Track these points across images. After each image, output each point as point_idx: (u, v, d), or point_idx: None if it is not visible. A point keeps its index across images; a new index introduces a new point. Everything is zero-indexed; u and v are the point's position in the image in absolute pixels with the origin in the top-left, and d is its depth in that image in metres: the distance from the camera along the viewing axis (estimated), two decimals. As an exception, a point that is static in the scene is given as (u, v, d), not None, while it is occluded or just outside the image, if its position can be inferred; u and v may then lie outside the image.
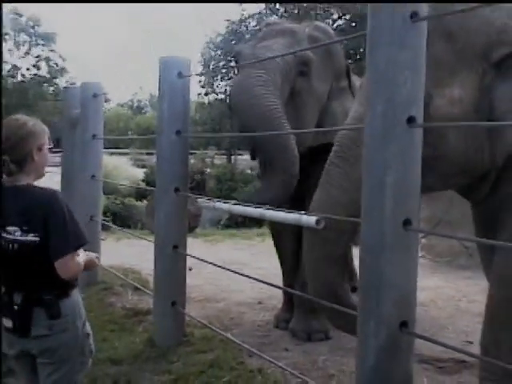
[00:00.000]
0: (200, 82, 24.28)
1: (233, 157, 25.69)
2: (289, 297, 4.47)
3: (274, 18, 17.86)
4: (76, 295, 2.38)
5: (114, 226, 7.64)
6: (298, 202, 4.23)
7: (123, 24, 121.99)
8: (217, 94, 25.00)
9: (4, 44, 34.22)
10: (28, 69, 35.00)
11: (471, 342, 3.81)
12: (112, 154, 17.07)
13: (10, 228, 2.24)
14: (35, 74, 35.21)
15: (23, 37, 34.76)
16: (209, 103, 25.65)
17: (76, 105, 5.66)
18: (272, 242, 4.70)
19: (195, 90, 24.91)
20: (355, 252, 3.02)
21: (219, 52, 24.34)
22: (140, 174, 16.70)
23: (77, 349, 2.35)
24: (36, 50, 35.12)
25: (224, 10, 35.04)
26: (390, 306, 1.98)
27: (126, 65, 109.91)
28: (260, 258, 6.78)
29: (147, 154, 24.41)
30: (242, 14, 22.86)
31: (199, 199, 3.88)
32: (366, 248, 2.04)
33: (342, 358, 3.70)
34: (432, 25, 2.45)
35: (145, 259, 4.94)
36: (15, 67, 34.55)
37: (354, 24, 18.94)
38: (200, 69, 23.72)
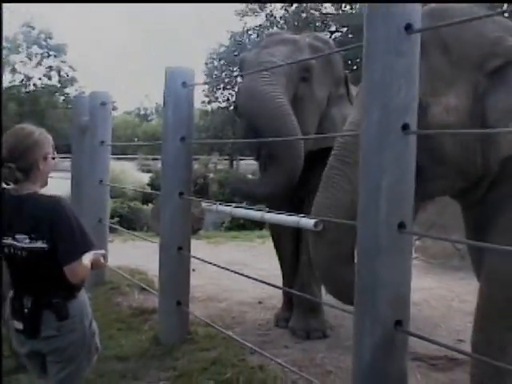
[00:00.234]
0: (203, 91, 24.43)
1: (235, 162, 25.73)
2: (288, 297, 4.46)
3: (274, 30, 17.91)
4: (83, 296, 2.37)
5: (120, 229, 7.64)
6: (298, 204, 4.23)
7: (123, 24, 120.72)
8: (219, 103, 25.07)
9: (17, 55, 34.40)
10: (40, 79, 35.19)
11: (463, 341, 3.79)
12: (119, 159, 17.07)
13: (18, 236, 2.22)
14: (47, 84, 35.36)
15: (35, 49, 34.90)
16: (212, 111, 25.74)
17: (85, 113, 5.67)
18: (272, 244, 4.69)
19: (199, 99, 25.09)
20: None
21: (222, 62, 24.41)
22: (146, 178, 16.68)
23: (84, 347, 2.34)
24: (47, 61, 35.26)
25: (226, 22, 35.12)
26: (386, 306, 1.97)
27: (127, 65, 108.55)
28: (260, 259, 6.77)
29: (153, 159, 24.43)
30: (244, 26, 22.96)
31: (203, 203, 3.88)
32: (362, 250, 2.04)
33: (339, 355, 3.70)
34: (429, 36, 2.47)
35: (150, 260, 4.93)
36: (28, 77, 34.68)
37: (350, 36, 19.00)
38: (203, 78, 23.81)
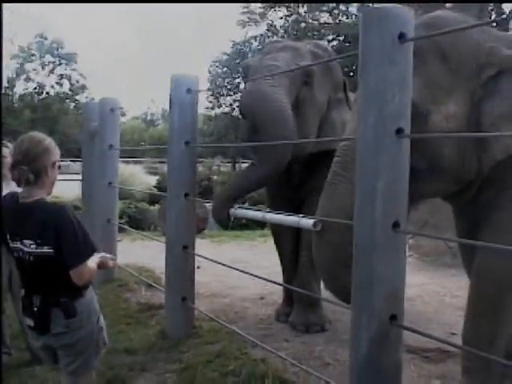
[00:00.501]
0: (207, 97, 24.38)
1: (237, 164, 25.71)
2: (288, 293, 4.46)
3: (275, 38, 17.92)
4: (90, 293, 2.37)
5: (129, 228, 7.63)
6: (298, 205, 4.23)
7: (123, 24, 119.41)
8: (222, 108, 25.07)
9: (30, 64, 34.49)
10: (52, 86, 35.26)
11: (454, 334, 3.79)
12: (127, 162, 17.04)
13: (26, 241, 2.24)
14: (58, 91, 35.44)
15: (48, 58, 34.99)
16: (215, 116, 25.74)
17: (95, 118, 5.67)
18: (273, 243, 4.69)
19: (203, 105, 25.02)
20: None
21: (225, 70, 24.42)
22: (153, 180, 16.66)
23: (92, 342, 2.35)
24: (59, 69, 35.33)
25: (228, 31, 35.18)
26: (381, 301, 1.97)
27: (127, 66, 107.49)
28: (262, 257, 6.76)
29: (159, 162, 24.38)
30: (245, 35, 22.97)
31: (207, 203, 3.88)
32: (359, 248, 2.04)
33: (337, 348, 3.69)
34: (428, 46, 2.49)
35: (157, 258, 4.93)
36: (41, 85, 34.75)
37: (347, 44, 19.00)
38: (207, 85, 23.82)
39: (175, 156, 3.74)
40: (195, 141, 3.78)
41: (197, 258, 3.87)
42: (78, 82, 35.54)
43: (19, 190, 2.34)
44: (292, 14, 20.87)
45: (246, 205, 7.78)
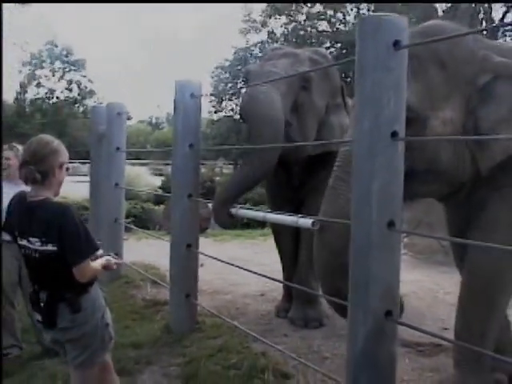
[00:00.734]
0: (210, 101, 24.34)
1: (239, 166, 25.63)
2: (288, 289, 4.46)
3: (276, 45, 17.90)
4: (95, 290, 2.37)
5: (135, 228, 7.63)
6: (297, 205, 4.23)
7: (123, 24, 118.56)
8: (225, 112, 25.06)
9: (41, 71, 34.54)
10: (62, 92, 35.29)
11: (447, 328, 3.79)
12: (133, 164, 17.04)
13: (31, 239, 2.25)
14: (68, 96, 35.49)
15: (58, 64, 35.04)
16: (218, 120, 25.69)
17: (102, 122, 5.67)
18: (273, 242, 4.69)
19: (206, 109, 24.97)
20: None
21: (227, 75, 24.41)
22: (158, 181, 16.65)
23: (97, 337, 2.34)
24: (68, 75, 35.38)
25: (230, 38, 35.14)
26: (377, 297, 1.97)
27: (132, 72, 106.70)
28: (262, 255, 6.75)
29: (164, 164, 24.39)
30: (247, 42, 22.95)
31: (210, 204, 3.87)
32: (356, 247, 2.04)
33: (335, 342, 3.69)
34: (426, 54, 2.50)
35: (162, 256, 4.92)
36: (51, 91, 34.80)
37: (344, 51, 19.01)
38: (210, 90, 23.81)
39: (179, 158, 3.74)
40: (198, 143, 3.78)
41: (200, 256, 3.87)
42: (86, 87, 35.56)
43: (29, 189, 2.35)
44: (291, 22, 20.88)
45: (247, 205, 7.78)
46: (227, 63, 24.35)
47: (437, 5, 16.54)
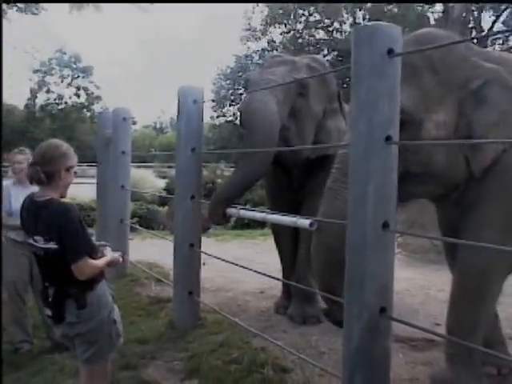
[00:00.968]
0: (212, 107, 24.33)
1: (233, 170, 25.57)
2: (287, 287, 4.45)
3: (275, 53, 17.89)
4: (101, 288, 2.36)
5: (140, 228, 7.63)
6: (296, 206, 4.22)
7: (123, 24, 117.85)
8: (226, 117, 25.04)
9: (51, 77, 34.57)
10: (70, 97, 35.33)
11: (439, 324, 3.79)
12: (139, 167, 17.02)
13: (36, 237, 2.26)
14: (76, 102, 35.52)
15: (67, 71, 35.10)
16: (219, 125, 25.69)
17: (109, 126, 5.68)
18: (272, 241, 4.69)
19: (208, 114, 24.98)
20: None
21: (228, 82, 24.41)
22: (162, 183, 16.62)
23: (103, 333, 2.34)
24: (76, 81, 35.40)
25: (231, 46, 35.19)
26: (371, 295, 1.97)
27: (138, 79, 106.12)
28: (262, 254, 6.75)
29: (168, 167, 24.36)
30: (247, 50, 22.95)
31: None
32: (351, 246, 2.04)
33: (332, 338, 3.69)
34: (421, 61, 2.51)
35: (166, 255, 4.92)
36: (60, 96, 34.85)
37: (340, 58, 19.02)
38: (212, 96, 23.81)
39: (182, 161, 3.75)
40: (201, 147, 3.78)
41: (202, 255, 3.87)
42: (93, 93, 35.58)
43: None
44: (290, 31, 20.89)
45: (248, 206, 7.77)
46: (228, 70, 24.36)
47: (429, 13, 16.56)
